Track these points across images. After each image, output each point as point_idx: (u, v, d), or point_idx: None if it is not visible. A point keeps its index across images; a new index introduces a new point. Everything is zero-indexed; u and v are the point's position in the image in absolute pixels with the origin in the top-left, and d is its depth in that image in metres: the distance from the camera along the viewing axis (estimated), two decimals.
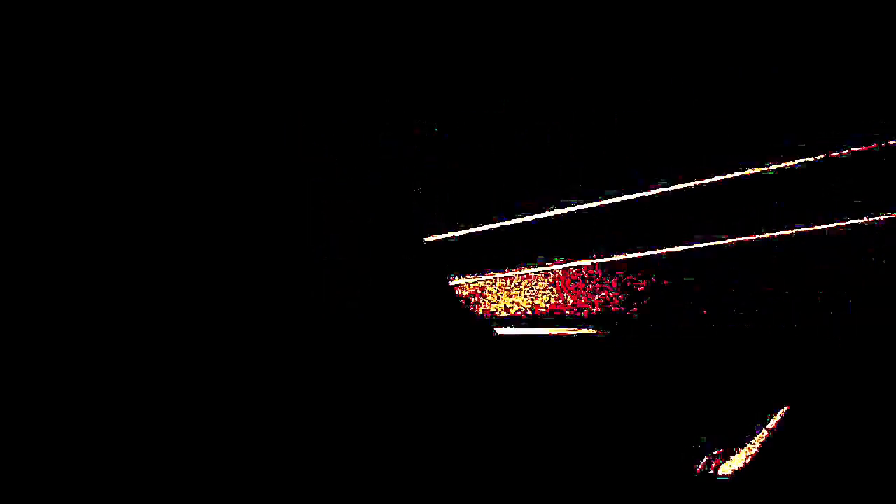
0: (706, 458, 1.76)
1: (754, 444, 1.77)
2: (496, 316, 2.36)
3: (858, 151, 1.84)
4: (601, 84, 2.10)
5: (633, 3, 2.01)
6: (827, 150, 1.86)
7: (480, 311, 2.39)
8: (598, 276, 2.14)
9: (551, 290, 2.23)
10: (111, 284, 1.58)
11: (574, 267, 2.17)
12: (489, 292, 2.36)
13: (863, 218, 1.84)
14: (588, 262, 2.14)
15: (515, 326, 2.26)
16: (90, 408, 1.43)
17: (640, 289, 2.05)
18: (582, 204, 2.09)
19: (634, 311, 2.05)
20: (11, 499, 1.20)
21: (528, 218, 2.19)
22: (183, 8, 1.53)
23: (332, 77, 1.96)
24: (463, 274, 2.35)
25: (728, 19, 1.97)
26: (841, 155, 1.84)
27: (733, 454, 1.76)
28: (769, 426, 1.78)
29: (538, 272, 2.24)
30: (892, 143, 1.81)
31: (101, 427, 1.43)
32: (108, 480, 1.38)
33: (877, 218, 1.80)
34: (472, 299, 2.40)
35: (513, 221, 2.23)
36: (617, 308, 2.10)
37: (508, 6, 2.10)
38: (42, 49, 1.40)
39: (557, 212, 2.13)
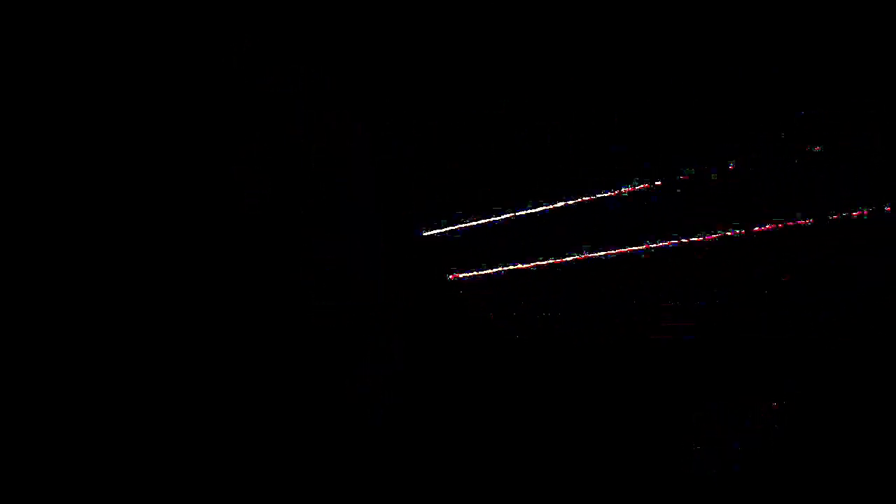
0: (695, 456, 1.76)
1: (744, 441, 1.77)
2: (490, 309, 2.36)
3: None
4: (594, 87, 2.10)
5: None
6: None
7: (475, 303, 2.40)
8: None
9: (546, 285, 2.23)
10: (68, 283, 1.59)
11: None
12: (485, 287, 2.36)
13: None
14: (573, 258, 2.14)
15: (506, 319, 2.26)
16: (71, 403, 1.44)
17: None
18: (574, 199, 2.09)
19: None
20: (11, 499, 1.21)
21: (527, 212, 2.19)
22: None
23: (332, 78, 1.96)
24: (462, 269, 2.35)
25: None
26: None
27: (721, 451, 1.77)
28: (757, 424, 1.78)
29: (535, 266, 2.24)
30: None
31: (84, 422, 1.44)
32: (102, 475, 1.39)
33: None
34: (467, 292, 2.40)
35: (510, 216, 2.23)
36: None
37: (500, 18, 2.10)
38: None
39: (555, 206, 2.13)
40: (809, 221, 1.89)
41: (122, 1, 1.47)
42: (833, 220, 1.88)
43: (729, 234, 1.95)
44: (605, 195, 2.10)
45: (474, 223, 2.29)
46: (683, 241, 1.98)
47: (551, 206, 2.17)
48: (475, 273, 2.33)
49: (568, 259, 2.15)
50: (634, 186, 2.03)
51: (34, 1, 1.43)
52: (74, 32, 1.42)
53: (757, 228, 1.92)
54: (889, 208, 1.79)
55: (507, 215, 2.24)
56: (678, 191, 2.01)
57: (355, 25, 2.10)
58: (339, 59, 2.03)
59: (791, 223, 1.90)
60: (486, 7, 2.15)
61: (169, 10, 1.50)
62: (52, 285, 1.64)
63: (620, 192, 2.07)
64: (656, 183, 2.03)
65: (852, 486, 1.67)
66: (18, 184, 1.64)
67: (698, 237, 1.98)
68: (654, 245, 2.03)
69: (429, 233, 2.38)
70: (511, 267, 2.25)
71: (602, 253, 2.09)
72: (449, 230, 2.32)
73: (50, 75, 1.45)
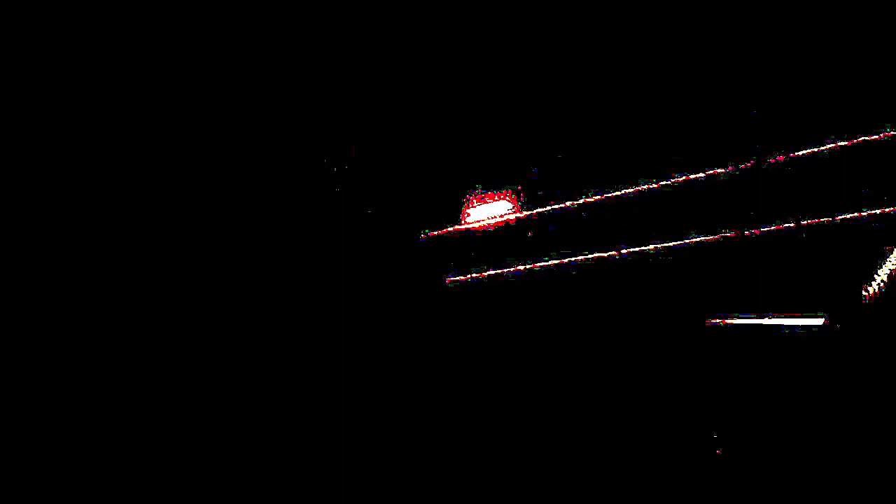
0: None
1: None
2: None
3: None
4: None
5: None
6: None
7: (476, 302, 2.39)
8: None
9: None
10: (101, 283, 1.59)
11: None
12: (487, 286, 2.36)
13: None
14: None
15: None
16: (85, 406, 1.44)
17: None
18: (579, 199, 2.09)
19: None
20: (12, 499, 1.21)
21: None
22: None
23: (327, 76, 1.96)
24: (458, 271, 2.35)
25: None
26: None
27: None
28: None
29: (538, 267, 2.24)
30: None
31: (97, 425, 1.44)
32: (106, 477, 1.39)
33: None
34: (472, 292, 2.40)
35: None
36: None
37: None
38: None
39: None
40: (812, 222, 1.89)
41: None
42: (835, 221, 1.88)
43: (725, 234, 1.95)
44: (602, 199, 2.09)
45: (470, 227, 2.29)
46: (687, 242, 1.98)
47: (548, 209, 2.17)
48: (471, 276, 2.33)
49: (564, 261, 2.15)
50: (636, 188, 2.03)
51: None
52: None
53: (760, 230, 1.92)
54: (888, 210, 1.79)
55: (505, 218, 2.24)
56: (682, 193, 2.00)
57: (357, 26, 2.10)
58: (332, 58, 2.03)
59: (794, 224, 1.90)
60: (486, 8, 2.15)
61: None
62: (62, 283, 1.64)
63: (618, 196, 2.07)
64: (657, 185, 2.03)
65: (852, 486, 1.66)
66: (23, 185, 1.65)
67: (697, 239, 1.98)
68: (657, 246, 2.03)
69: (427, 236, 2.38)
70: (507, 269, 2.25)
71: (596, 256, 2.09)
72: (446, 233, 2.32)
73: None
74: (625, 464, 1.81)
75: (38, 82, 1.53)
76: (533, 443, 1.84)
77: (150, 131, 1.64)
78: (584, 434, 1.83)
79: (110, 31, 1.56)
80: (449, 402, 1.90)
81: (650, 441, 1.80)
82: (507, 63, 2.05)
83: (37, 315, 1.57)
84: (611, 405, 1.83)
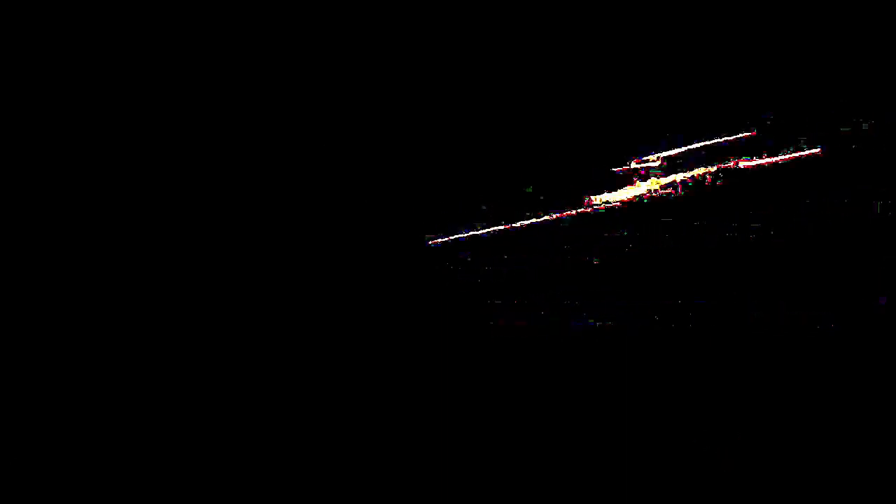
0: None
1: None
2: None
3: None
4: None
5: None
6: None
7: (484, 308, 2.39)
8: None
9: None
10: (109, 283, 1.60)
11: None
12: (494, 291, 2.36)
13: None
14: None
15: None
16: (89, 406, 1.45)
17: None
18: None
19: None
20: (12, 499, 1.22)
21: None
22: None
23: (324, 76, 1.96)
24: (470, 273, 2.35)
25: None
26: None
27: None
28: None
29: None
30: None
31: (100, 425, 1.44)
32: (107, 478, 1.40)
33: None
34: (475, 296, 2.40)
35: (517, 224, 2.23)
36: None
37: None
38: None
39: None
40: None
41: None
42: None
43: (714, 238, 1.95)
44: (603, 207, 2.09)
45: (472, 231, 2.29)
46: (685, 241, 1.98)
47: (541, 218, 2.18)
48: (477, 276, 2.34)
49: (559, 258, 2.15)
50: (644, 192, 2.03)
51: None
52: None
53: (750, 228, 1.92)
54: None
55: (503, 224, 2.24)
56: (672, 196, 2.01)
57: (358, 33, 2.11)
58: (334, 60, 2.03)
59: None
60: (486, 13, 2.16)
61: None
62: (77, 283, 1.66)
63: (620, 202, 2.07)
64: (659, 187, 2.03)
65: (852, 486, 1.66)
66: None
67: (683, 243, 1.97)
68: (651, 246, 2.03)
69: (431, 238, 2.38)
70: (517, 266, 2.26)
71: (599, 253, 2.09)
72: (451, 238, 2.33)
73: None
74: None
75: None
76: (549, 441, 1.85)
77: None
78: (589, 432, 1.83)
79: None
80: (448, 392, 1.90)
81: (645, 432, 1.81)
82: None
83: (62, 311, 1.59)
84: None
